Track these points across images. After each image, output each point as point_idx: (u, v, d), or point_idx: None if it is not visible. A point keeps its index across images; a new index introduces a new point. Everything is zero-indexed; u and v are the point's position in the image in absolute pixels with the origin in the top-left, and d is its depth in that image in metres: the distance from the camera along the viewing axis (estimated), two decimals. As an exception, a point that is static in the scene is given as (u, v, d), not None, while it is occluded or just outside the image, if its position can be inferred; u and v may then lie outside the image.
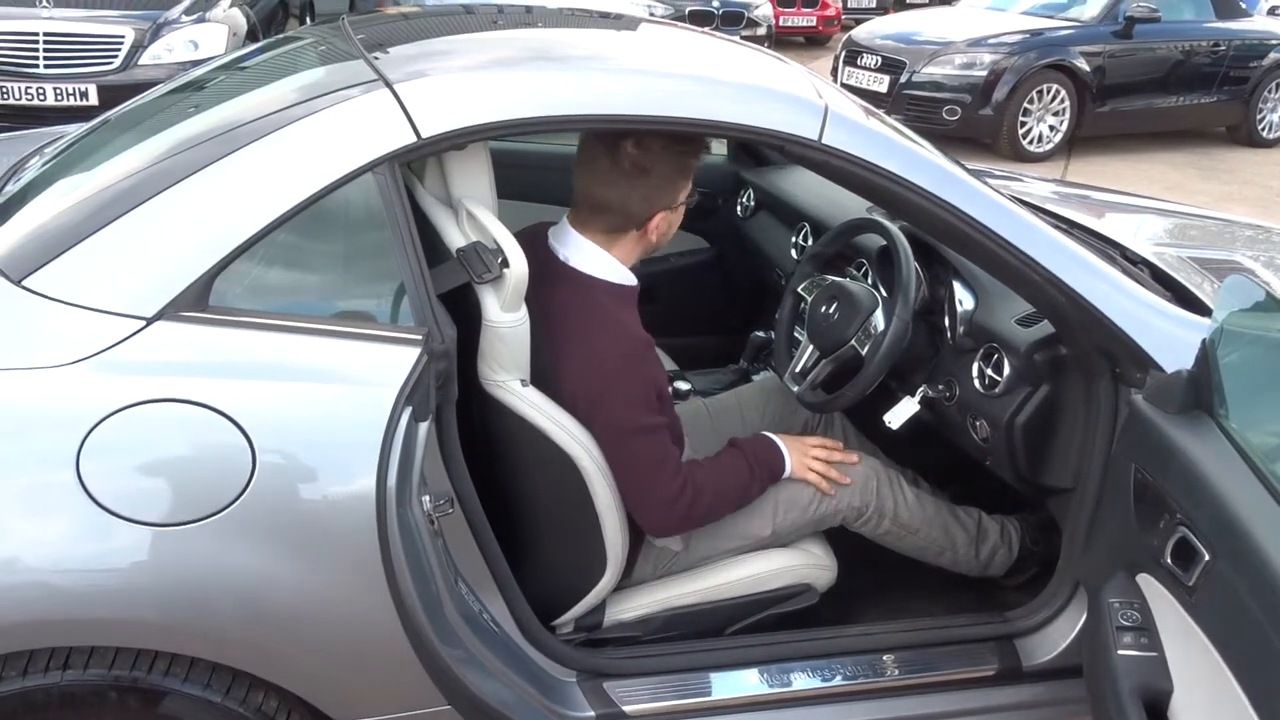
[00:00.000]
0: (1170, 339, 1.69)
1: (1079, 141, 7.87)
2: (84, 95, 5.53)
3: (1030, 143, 7.54)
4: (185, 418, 1.39)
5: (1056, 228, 1.80)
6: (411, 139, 1.50)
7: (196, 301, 1.43)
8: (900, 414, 2.03)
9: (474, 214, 1.63)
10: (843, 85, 6.73)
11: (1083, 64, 7.53)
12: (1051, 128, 7.59)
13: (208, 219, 1.45)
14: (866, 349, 2.01)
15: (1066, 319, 1.73)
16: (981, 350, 1.96)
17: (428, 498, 1.51)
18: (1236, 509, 1.39)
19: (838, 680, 1.86)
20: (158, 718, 1.51)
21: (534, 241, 1.73)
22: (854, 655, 1.89)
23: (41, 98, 5.49)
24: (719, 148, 3.21)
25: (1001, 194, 1.76)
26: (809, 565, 1.95)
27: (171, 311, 1.41)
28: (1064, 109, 7.55)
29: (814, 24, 13.13)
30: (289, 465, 1.44)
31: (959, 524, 2.10)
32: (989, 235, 1.68)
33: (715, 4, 11.02)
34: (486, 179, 1.70)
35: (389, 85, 1.54)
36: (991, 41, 7.56)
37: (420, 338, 1.48)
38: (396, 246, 1.49)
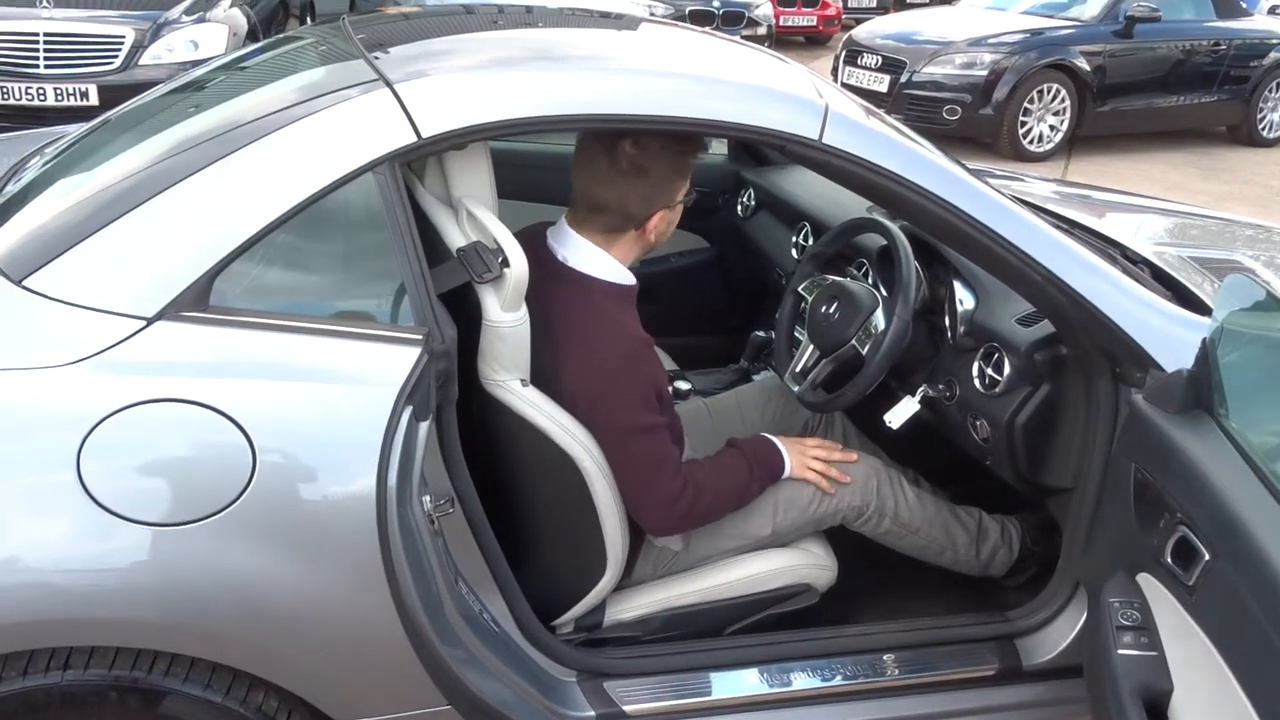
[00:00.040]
0: (1170, 338, 1.69)
1: (1079, 141, 7.87)
2: (84, 95, 5.53)
3: (1031, 142, 7.54)
4: (185, 418, 1.39)
5: (1057, 227, 1.80)
6: (412, 139, 1.50)
7: (197, 301, 1.43)
8: (900, 413, 2.03)
9: (474, 214, 1.63)
10: (843, 85, 6.74)
11: (1083, 63, 7.53)
12: (1052, 127, 7.59)
13: (208, 219, 1.45)
14: (867, 349, 2.01)
15: (1067, 318, 1.73)
16: (982, 350, 1.96)
17: (428, 497, 1.51)
18: (1236, 508, 1.39)
19: (838, 680, 1.86)
20: (158, 718, 1.51)
21: (533, 242, 1.73)
22: (854, 655, 1.89)
23: (42, 98, 5.49)
24: (719, 147, 3.22)
25: (1002, 194, 1.76)
26: (809, 565, 1.95)
27: (172, 311, 1.41)
28: (1064, 109, 7.55)
29: (814, 24, 13.13)
30: (289, 465, 1.44)
31: (959, 523, 2.10)
32: (989, 235, 1.68)
33: (716, 4, 11.02)
34: (487, 179, 1.70)
35: (389, 85, 1.54)
36: (992, 41, 7.56)
37: (421, 337, 1.48)
38: (397, 246, 1.49)
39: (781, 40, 11.89)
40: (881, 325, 2.00)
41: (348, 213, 1.55)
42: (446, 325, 1.52)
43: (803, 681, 1.85)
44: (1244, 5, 8.80)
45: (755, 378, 2.60)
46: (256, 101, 1.72)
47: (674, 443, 1.77)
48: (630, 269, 1.78)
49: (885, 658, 1.89)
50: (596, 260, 1.73)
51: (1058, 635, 1.91)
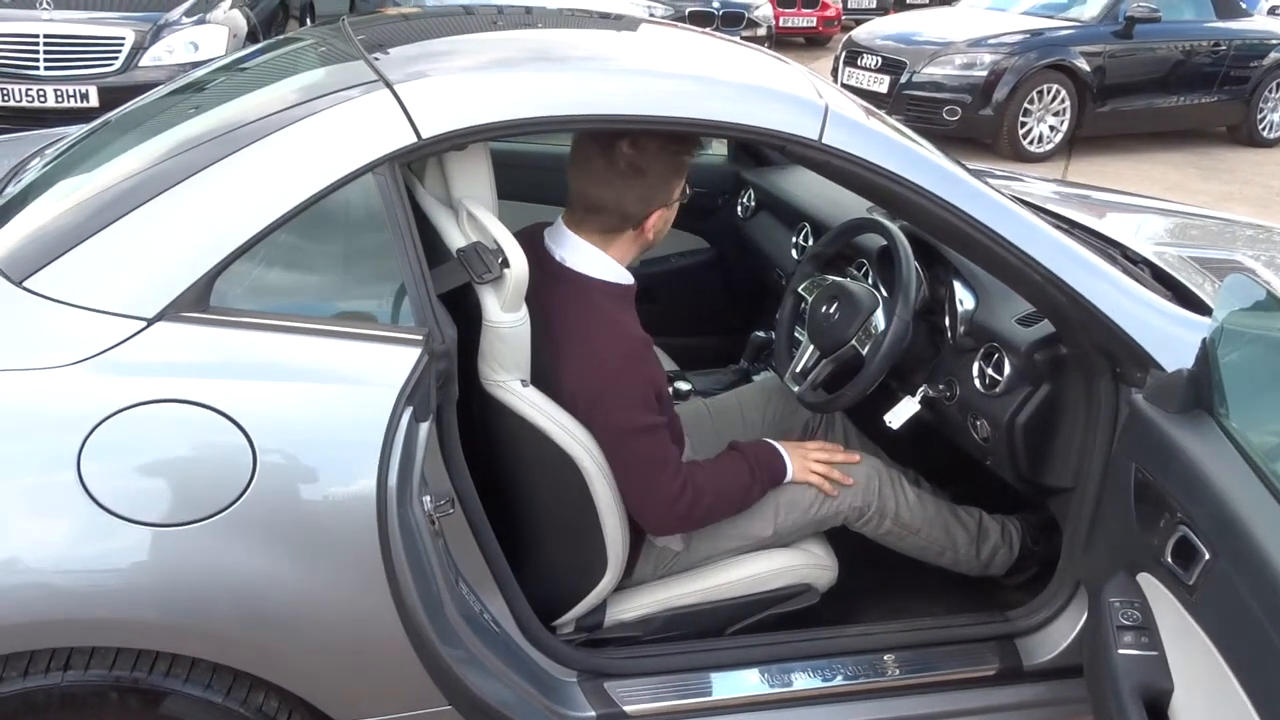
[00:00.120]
0: (1170, 338, 1.69)
1: (1079, 141, 7.87)
2: (84, 97, 5.53)
3: (1030, 143, 7.54)
4: (186, 418, 1.39)
5: (1057, 227, 1.80)
6: (412, 139, 1.50)
7: (197, 302, 1.43)
8: (901, 414, 2.03)
9: (474, 214, 1.63)
10: (843, 86, 6.73)
11: (1083, 64, 7.53)
12: (1052, 128, 7.59)
13: (208, 220, 1.45)
14: (867, 349, 2.01)
15: (1067, 318, 1.73)
16: (982, 350, 1.96)
17: (428, 498, 1.51)
18: (1237, 508, 1.39)
19: (838, 680, 1.86)
20: (158, 718, 1.51)
21: (530, 242, 1.73)
22: (855, 655, 1.89)
23: (42, 99, 5.49)
24: (719, 148, 3.22)
25: (1002, 194, 1.76)
26: (810, 565, 1.95)
27: (172, 312, 1.41)
28: (1064, 109, 7.55)
29: (814, 25, 13.12)
30: (290, 465, 1.44)
31: (960, 524, 2.10)
32: (989, 235, 1.68)
33: (715, 4, 11.01)
34: (487, 179, 1.71)
35: (389, 86, 1.54)
36: (992, 42, 7.56)
37: (421, 338, 1.48)
38: (397, 247, 1.49)
39: (781, 41, 11.89)
40: (881, 325, 2.00)
41: (348, 213, 1.55)
42: (446, 326, 1.52)
43: (803, 681, 1.85)
44: (1244, 6, 8.81)
45: (755, 378, 2.60)
46: (256, 103, 1.72)
47: (674, 443, 1.77)
48: (630, 269, 1.78)
49: (886, 658, 1.89)
50: (594, 260, 1.73)
51: (1058, 635, 1.91)
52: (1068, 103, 7.53)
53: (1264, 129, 8.53)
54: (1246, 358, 1.58)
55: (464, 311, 1.60)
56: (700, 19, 10.42)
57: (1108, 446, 1.75)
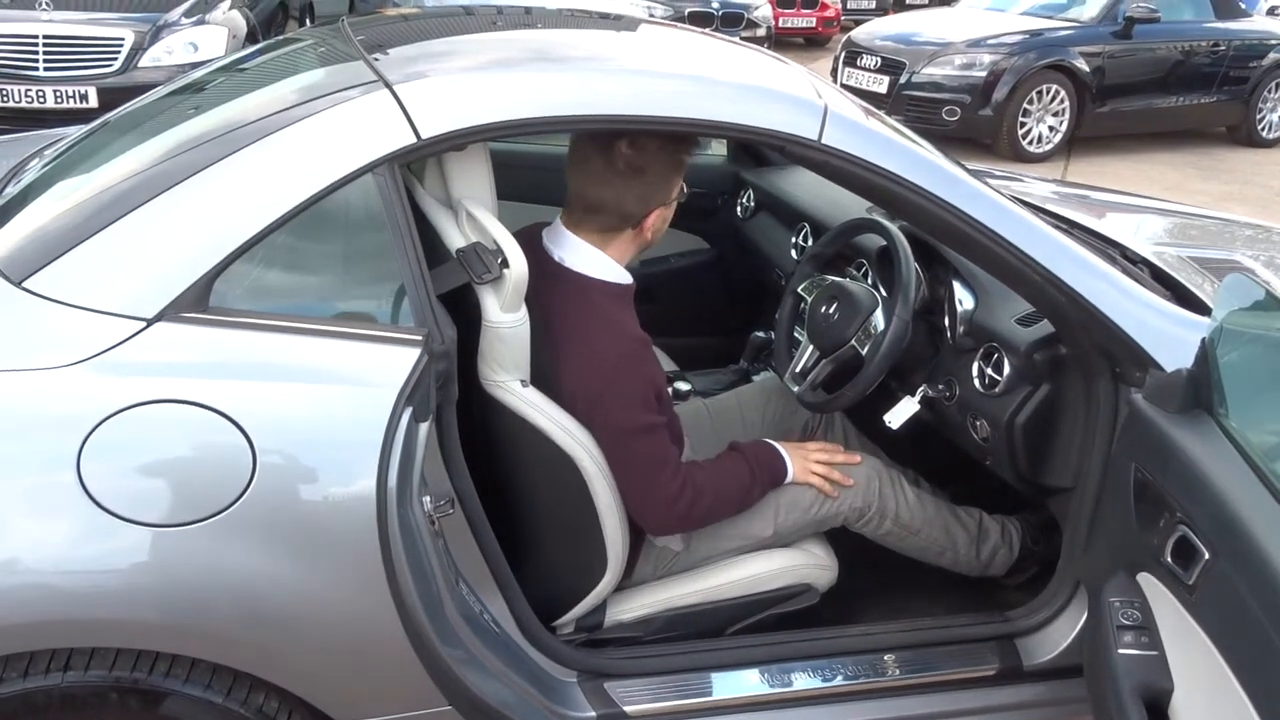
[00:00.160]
0: (1170, 338, 1.69)
1: (1079, 142, 7.87)
2: (84, 98, 5.53)
3: (1030, 143, 7.54)
4: (186, 419, 1.39)
5: (1056, 227, 1.80)
6: (411, 140, 1.50)
7: (197, 302, 1.43)
8: (900, 414, 2.03)
9: (474, 215, 1.63)
10: (842, 86, 6.74)
11: (1082, 64, 7.53)
12: (1051, 128, 7.59)
13: (208, 220, 1.45)
14: (866, 349, 2.01)
15: (1066, 318, 1.73)
16: (981, 350, 1.96)
17: (428, 498, 1.51)
18: (1237, 508, 1.39)
19: (838, 680, 1.86)
20: (158, 719, 1.51)
21: (530, 242, 1.73)
22: (855, 655, 1.89)
23: (41, 100, 5.50)
24: (719, 148, 3.22)
25: (1001, 194, 1.76)
26: (810, 565, 1.95)
27: (172, 313, 1.41)
28: (1064, 109, 7.55)
29: (813, 25, 13.12)
30: (289, 466, 1.44)
31: (960, 524, 2.10)
32: (989, 235, 1.68)
33: (715, 5, 11.02)
34: (486, 180, 1.71)
35: (389, 86, 1.54)
36: (991, 42, 7.56)
37: (420, 338, 1.48)
38: (396, 247, 1.49)
39: (780, 41, 11.89)
40: (881, 325, 2.00)
41: (347, 214, 1.55)
42: (446, 326, 1.52)
43: (803, 682, 1.85)
44: (1243, 6, 8.81)
45: (755, 378, 2.60)
46: (256, 103, 1.72)
47: (674, 443, 1.77)
48: (629, 269, 1.78)
49: (886, 658, 1.89)
50: (593, 260, 1.73)
51: (1058, 635, 1.91)
52: (1067, 103, 7.53)
53: (1263, 129, 8.53)
54: (1246, 357, 1.58)
55: (464, 312, 1.60)
56: (700, 19, 10.42)
57: (1107, 446, 1.75)
